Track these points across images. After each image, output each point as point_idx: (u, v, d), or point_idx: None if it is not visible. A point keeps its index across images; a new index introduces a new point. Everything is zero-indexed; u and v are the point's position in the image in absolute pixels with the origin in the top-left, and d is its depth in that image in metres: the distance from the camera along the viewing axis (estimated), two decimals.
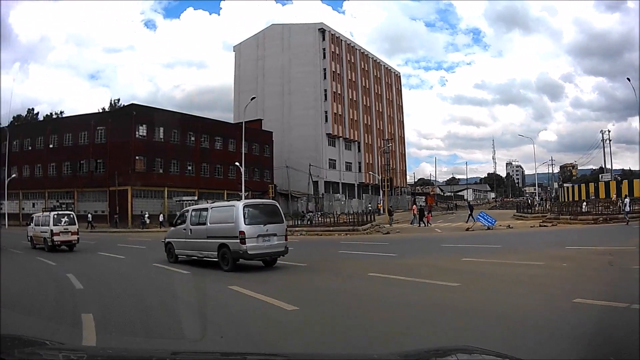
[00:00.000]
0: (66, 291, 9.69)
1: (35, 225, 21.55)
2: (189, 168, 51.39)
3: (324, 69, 68.03)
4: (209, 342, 5.35)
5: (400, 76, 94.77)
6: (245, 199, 42.88)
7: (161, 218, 41.90)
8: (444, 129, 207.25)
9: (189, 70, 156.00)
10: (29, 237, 22.28)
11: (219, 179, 53.36)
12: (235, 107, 69.51)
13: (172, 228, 15.25)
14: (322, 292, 9.33)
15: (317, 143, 65.93)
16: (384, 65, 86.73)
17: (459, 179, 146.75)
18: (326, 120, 67.46)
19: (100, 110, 60.28)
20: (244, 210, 11.80)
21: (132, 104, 49.80)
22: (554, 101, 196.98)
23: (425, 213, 35.23)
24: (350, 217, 32.12)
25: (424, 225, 32.44)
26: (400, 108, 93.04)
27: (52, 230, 19.40)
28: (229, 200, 17.35)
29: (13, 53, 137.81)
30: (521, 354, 3.72)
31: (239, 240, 11.44)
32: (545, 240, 19.63)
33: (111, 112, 52.90)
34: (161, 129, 48.79)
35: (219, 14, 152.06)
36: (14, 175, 50.36)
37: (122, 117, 48.08)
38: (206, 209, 13.29)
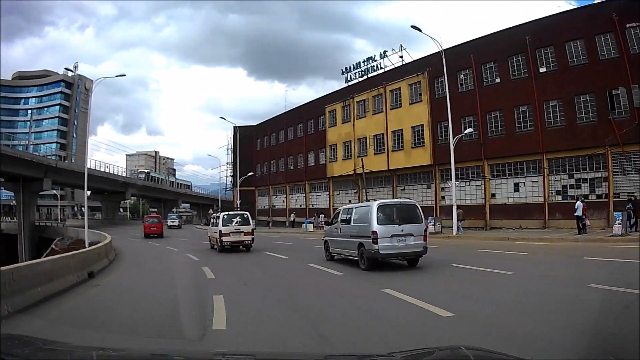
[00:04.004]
0: None
1: (211, 225, 22.14)
2: None
3: None
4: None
5: None
6: None
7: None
8: None
9: None
10: (208, 237, 22.95)
11: None
12: None
13: (327, 227, 15.83)
14: None
15: None
16: None
17: None
18: None
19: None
20: (377, 210, 11.90)
21: None
22: None
23: None
24: None
25: None
26: None
27: (220, 231, 19.57)
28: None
29: None
30: None
31: (371, 240, 11.64)
32: None
33: None
34: None
35: None
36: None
37: None
38: (352, 209, 13.65)
